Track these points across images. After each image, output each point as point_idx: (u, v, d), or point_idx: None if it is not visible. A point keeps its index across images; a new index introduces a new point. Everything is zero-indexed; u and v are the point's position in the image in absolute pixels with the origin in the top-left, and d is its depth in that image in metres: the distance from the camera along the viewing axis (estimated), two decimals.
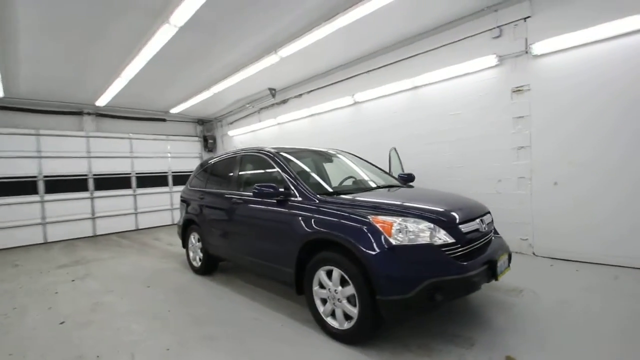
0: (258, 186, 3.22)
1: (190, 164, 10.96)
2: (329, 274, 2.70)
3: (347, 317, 2.60)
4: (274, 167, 3.50)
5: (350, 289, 2.52)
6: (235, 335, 2.87)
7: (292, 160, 3.53)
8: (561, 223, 4.33)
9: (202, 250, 4.55)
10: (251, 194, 3.66)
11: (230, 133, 10.54)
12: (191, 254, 4.88)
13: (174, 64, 6.20)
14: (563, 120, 4.29)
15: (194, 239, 4.77)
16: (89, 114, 8.85)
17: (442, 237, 2.39)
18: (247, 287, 4.06)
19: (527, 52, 4.52)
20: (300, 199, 3.06)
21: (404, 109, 5.96)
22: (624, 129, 3.87)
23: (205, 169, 4.90)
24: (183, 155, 10.81)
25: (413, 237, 2.37)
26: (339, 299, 2.61)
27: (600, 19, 3.86)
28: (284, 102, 8.47)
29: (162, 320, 3.25)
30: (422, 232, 2.38)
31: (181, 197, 5.26)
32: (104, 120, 9.21)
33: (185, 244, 5.07)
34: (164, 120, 10.34)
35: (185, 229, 4.99)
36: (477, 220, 2.69)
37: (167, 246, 7.01)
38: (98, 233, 8.83)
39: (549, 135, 4.42)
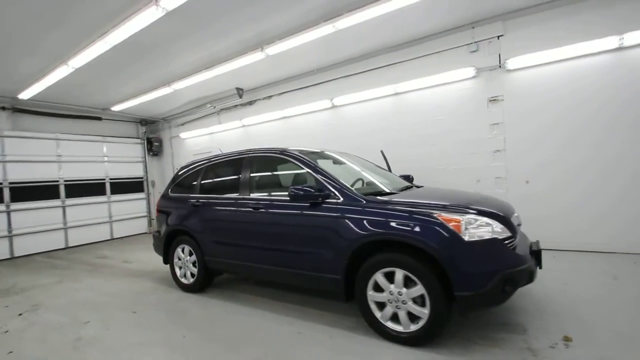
0: (295, 189, 3.00)
1: (132, 170, 9.70)
2: (388, 276, 2.64)
3: (412, 318, 2.57)
4: (302, 169, 3.29)
5: (418, 290, 2.49)
6: (287, 354, 2.60)
7: (320, 162, 3.37)
8: (534, 215, 4.95)
9: (196, 264, 4.02)
10: (274, 197, 3.42)
11: (183, 135, 9.60)
12: (178, 270, 4.28)
13: (137, 53, 5.43)
14: (532, 127, 4.95)
15: (183, 252, 4.19)
16: (3, 108, 7.16)
17: (502, 231, 2.53)
18: (259, 301, 3.71)
19: (500, 67, 5.11)
20: (341, 199, 2.93)
21: (386, 114, 6.19)
22: (583, 135, 4.62)
23: (194, 173, 4.37)
24: (123, 159, 9.48)
25: (480, 232, 2.46)
26: (403, 301, 2.56)
27: (563, 42, 4.58)
28: (251, 103, 8.06)
29: (183, 349, 2.77)
30: (486, 228, 2.49)
31: (159, 207, 4.59)
32: (23, 117, 7.55)
33: (168, 260, 4.42)
34: (99, 118, 8.93)
35: (168, 243, 4.35)
36: (515, 215, 2.92)
37: (123, 264, 6.03)
38: (17, 254, 7.15)
39: (520, 139, 5.05)
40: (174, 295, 4.10)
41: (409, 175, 4.41)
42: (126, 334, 3.10)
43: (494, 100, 5.20)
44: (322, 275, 2.97)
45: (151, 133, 10.33)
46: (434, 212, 2.55)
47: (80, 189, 8.41)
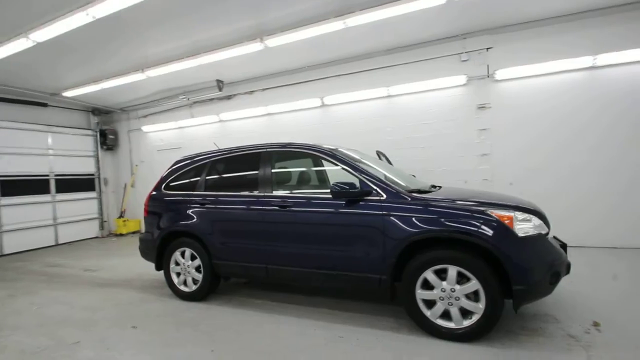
0: (338, 185, 2.86)
1: (82, 165, 8.55)
2: (437, 273, 2.63)
3: (463, 314, 2.59)
4: (336, 165, 3.15)
5: (472, 285, 2.51)
6: (324, 355, 2.44)
7: (357, 158, 3.26)
8: None
9: (201, 269, 3.62)
10: (306, 195, 3.23)
11: (145, 128, 8.69)
12: (176, 277, 3.81)
13: (113, 30, 4.77)
14: (516, 133, 5.40)
15: (182, 256, 3.75)
16: None
17: (542, 226, 2.68)
18: (278, 306, 3.45)
19: (489, 76, 5.50)
20: (385, 197, 2.86)
21: (378, 115, 6.27)
22: (561, 141, 5.14)
23: (195, 169, 3.94)
24: (71, 152, 8.29)
25: (526, 228, 2.57)
26: (456, 297, 2.57)
27: (545, 58, 5.08)
28: (230, 97, 7.60)
29: None
30: (530, 223, 2.61)
31: (149, 206, 4.06)
32: None
33: (162, 265, 3.91)
34: (44, 105, 7.68)
35: (163, 246, 3.86)
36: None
37: (85, 273, 5.23)
38: None
39: (505, 144, 5.47)
40: (173, 305, 3.64)
41: (413, 176, 4.50)
42: (140, 354, 2.65)
43: (482, 107, 5.57)
44: (365, 276, 2.86)
45: (105, 124, 9.18)
46: (487, 209, 2.61)
47: (18, 186, 7.12)
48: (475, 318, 2.55)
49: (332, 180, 3.50)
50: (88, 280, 4.82)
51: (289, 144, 3.51)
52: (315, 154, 3.31)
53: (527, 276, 2.43)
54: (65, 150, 8.13)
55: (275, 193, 3.35)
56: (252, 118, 7.43)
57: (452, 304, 2.60)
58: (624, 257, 4.51)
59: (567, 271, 2.69)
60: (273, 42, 5.06)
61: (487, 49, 5.49)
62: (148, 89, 7.56)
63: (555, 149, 5.20)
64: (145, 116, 8.74)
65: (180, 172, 4.05)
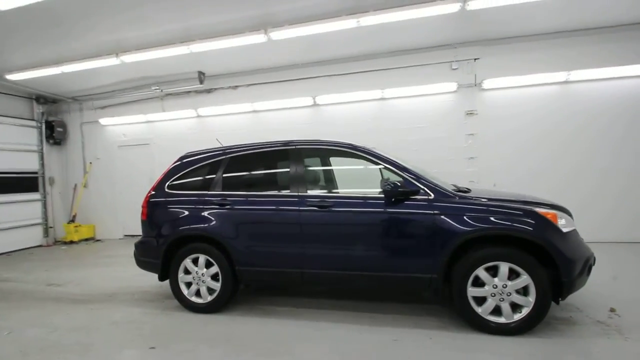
0: (389, 184, 2.79)
1: (22, 161, 7.31)
2: (488, 270, 2.70)
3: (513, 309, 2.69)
4: (378, 164, 3.08)
5: (523, 280, 2.62)
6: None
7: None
8: None
9: (220, 277, 3.25)
10: (349, 194, 3.10)
11: (104, 121, 7.69)
12: (185, 287, 3.38)
13: (86, 6, 4.15)
14: (499, 139, 5.85)
15: (195, 264, 3.34)
16: None
17: (573, 223, 2.92)
18: (308, 312, 3.24)
19: (476, 85, 5.89)
20: (433, 196, 2.87)
21: (371, 117, 6.33)
22: (539, 146, 5.67)
23: (209, 165, 3.55)
24: (8, 146, 6.99)
25: (567, 224, 2.77)
26: (508, 293, 2.66)
27: (526, 71, 5.59)
28: (210, 91, 7.08)
29: None
30: (565, 220, 2.82)
31: (150, 208, 3.58)
32: None
33: (168, 275, 3.45)
34: None
35: (171, 253, 3.41)
36: None
37: (48, 288, 4.44)
38: None
39: (489, 149, 5.89)
40: (187, 320, 3.22)
41: None
42: None
43: (470, 113, 5.95)
44: (415, 276, 2.82)
45: (52, 115, 7.92)
46: (532, 207, 2.75)
47: None
48: (525, 312, 2.66)
49: (368, 179, 3.46)
50: (57, 296, 4.07)
51: (322, 140, 3.35)
52: (354, 152, 3.20)
53: (573, 269, 2.60)
54: (2, 144, 6.83)
55: (310, 192, 3.17)
56: (235, 115, 7.00)
57: (503, 300, 2.68)
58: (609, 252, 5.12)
59: (594, 264, 2.95)
60: (279, 35, 4.82)
61: (475, 59, 5.88)
62: (114, 77, 6.69)
63: (533, 153, 5.72)
64: (103, 107, 7.73)
65: (188, 169, 3.63)
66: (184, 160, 3.71)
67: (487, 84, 5.76)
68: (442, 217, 2.78)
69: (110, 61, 5.51)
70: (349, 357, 2.49)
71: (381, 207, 2.90)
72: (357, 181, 3.27)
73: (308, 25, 4.63)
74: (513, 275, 2.66)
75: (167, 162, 7.21)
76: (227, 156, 3.53)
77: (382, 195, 2.93)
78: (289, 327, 2.98)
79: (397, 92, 6.10)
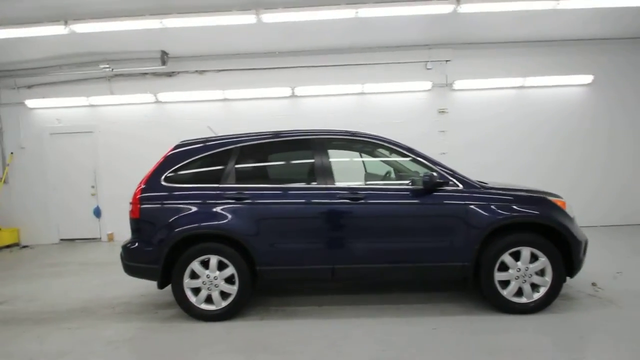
0: (428, 175, 2.81)
1: None
2: (512, 255, 2.90)
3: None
4: (407, 156, 3.09)
5: (542, 263, 2.86)
6: (470, 349, 2.41)
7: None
8: None
9: (236, 279, 2.92)
10: (382, 186, 3.05)
11: (31, 103, 6.32)
12: (192, 294, 2.95)
13: None
14: (466, 135, 6.35)
15: (205, 267, 2.94)
16: None
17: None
18: (335, 309, 3.09)
19: (447, 85, 6.31)
20: (461, 187, 2.97)
21: (350, 111, 6.33)
22: (500, 142, 6.30)
23: (217, 155, 3.13)
24: None
25: (572, 210, 3.11)
26: (530, 275, 2.89)
27: (490, 75, 6.17)
28: (171, 75, 6.31)
29: None
30: (569, 207, 3.17)
31: (141, 204, 3.03)
32: None
33: (168, 281, 2.98)
34: None
35: (173, 256, 2.94)
36: None
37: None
38: None
39: (458, 145, 6.36)
40: (200, 330, 2.82)
41: None
42: None
43: (442, 112, 6.35)
44: (449, 264, 2.90)
45: None
46: (546, 196, 3.03)
47: None
48: (542, 291, 2.91)
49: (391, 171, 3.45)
50: (9, 317, 3.23)
51: (350, 131, 3.25)
52: (384, 145, 3.15)
53: (581, 250, 2.94)
54: None
55: (339, 185, 3.02)
56: (203, 102, 6.38)
57: (525, 282, 2.91)
58: None
59: None
60: (271, 17, 4.50)
61: (447, 61, 6.28)
62: (49, 49, 5.54)
63: (496, 149, 6.33)
64: (30, 86, 6.35)
65: (189, 159, 3.16)
66: (182, 149, 3.23)
67: (458, 84, 6.21)
68: (472, 206, 2.90)
69: (56, 29, 4.53)
70: (401, 349, 2.44)
71: (415, 198, 2.92)
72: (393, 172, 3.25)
73: (304, 11, 4.41)
74: (532, 258, 2.91)
75: (118, 152, 6.40)
76: (238, 145, 3.17)
77: (414, 187, 2.96)
78: (323, 327, 2.81)
79: (376, 87, 6.21)
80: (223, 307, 2.96)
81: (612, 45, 6.07)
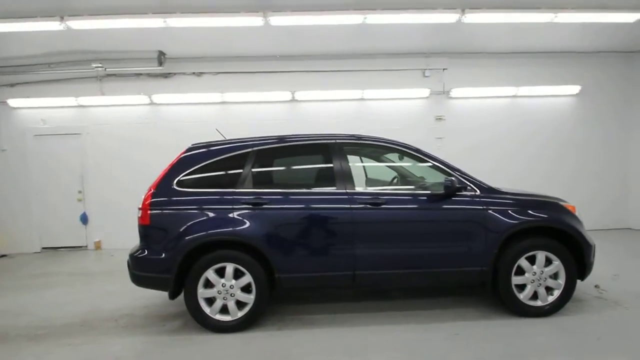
0: (449, 180, 2.83)
1: None
2: (528, 259, 2.95)
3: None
4: (426, 162, 3.12)
5: (556, 266, 2.92)
6: (495, 353, 2.41)
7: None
8: None
9: (252, 287, 2.81)
10: (402, 191, 3.08)
11: (14, 103, 5.96)
12: (206, 304, 2.82)
13: None
14: (463, 142, 6.47)
15: (221, 275, 2.82)
16: None
17: None
18: (351, 317, 3.04)
19: (444, 93, 6.44)
20: (478, 192, 3.01)
21: (350, 117, 6.34)
22: (496, 149, 6.44)
23: (232, 159, 3.03)
24: None
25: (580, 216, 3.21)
26: (544, 279, 2.94)
27: (485, 84, 6.35)
28: (166, 76, 6.12)
29: None
30: (579, 213, 3.26)
31: (154, 209, 2.88)
32: None
33: (180, 290, 2.84)
34: None
35: (185, 264, 2.81)
36: None
37: None
38: None
39: (454, 151, 6.44)
40: (215, 342, 2.69)
41: None
42: None
43: (440, 119, 6.47)
44: (467, 269, 2.91)
45: None
46: (558, 201, 3.11)
47: None
48: (556, 294, 2.97)
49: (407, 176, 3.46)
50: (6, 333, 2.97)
51: (368, 136, 3.25)
52: (404, 150, 3.17)
53: (592, 253, 3.03)
54: None
55: (359, 190, 2.99)
56: (200, 105, 6.21)
57: (540, 285, 2.96)
58: None
59: None
60: (279, 20, 4.45)
61: (443, 69, 6.42)
62: (36, 46, 5.24)
63: (491, 156, 6.46)
64: (12, 85, 5.97)
65: (202, 163, 3.04)
66: (194, 152, 3.11)
67: (454, 92, 6.36)
68: (490, 211, 2.94)
69: (50, 25, 4.29)
70: (425, 357, 2.41)
71: (436, 203, 2.93)
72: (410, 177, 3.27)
73: (313, 15, 4.39)
74: (546, 262, 2.97)
75: (109, 155, 6.11)
76: (255, 149, 3.09)
77: (432, 192, 2.98)
78: (343, 336, 2.74)
79: (375, 93, 6.26)
80: (239, 318, 2.85)
81: (597, 58, 6.39)
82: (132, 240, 5.97)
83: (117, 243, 6.17)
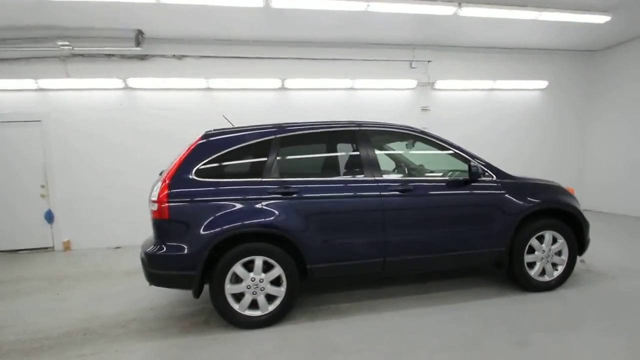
0: (475, 166, 2.93)
1: None
2: (538, 239, 3.18)
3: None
4: (448, 149, 3.18)
5: (561, 245, 3.19)
6: (522, 329, 2.57)
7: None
8: None
9: (282, 280, 2.71)
10: (428, 178, 3.12)
11: None
12: (235, 301, 2.66)
13: None
14: (446, 132, 6.73)
15: (249, 269, 2.68)
16: None
17: None
18: (377, 303, 3.06)
19: (429, 84, 6.65)
20: (495, 177, 3.16)
21: (340, 106, 6.29)
22: (479, 140, 6.70)
23: (253, 147, 2.85)
24: None
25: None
26: (551, 256, 3.19)
27: (465, 77, 6.66)
28: (143, 58, 5.59)
29: None
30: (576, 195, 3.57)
31: (174, 202, 2.62)
32: None
33: (202, 287, 2.65)
34: None
35: (211, 258, 2.62)
36: None
37: None
38: None
39: None
40: (250, 338, 2.56)
41: None
42: None
43: (425, 109, 6.67)
44: (489, 250, 3.07)
45: None
46: (560, 185, 3.37)
47: None
48: (560, 269, 3.25)
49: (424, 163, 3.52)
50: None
51: (390, 124, 3.26)
52: (424, 138, 3.21)
53: (588, 231, 3.35)
54: None
55: (386, 177, 2.99)
56: (182, 91, 5.77)
57: (547, 262, 3.21)
58: None
59: None
60: (280, 2, 4.23)
61: (428, 61, 6.62)
62: None
63: (471, 145, 6.84)
64: None
65: (222, 151, 2.81)
66: (212, 139, 2.88)
67: (439, 84, 6.59)
68: (507, 195, 3.11)
69: None
70: (466, 334, 2.52)
71: (460, 188, 3.03)
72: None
73: None
74: (552, 240, 3.22)
75: (76, 145, 5.49)
76: (278, 136, 2.94)
77: (454, 178, 3.09)
78: (380, 322, 2.75)
79: (365, 83, 6.27)
80: (270, 312, 2.73)
81: (564, 55, 7.00)
82: (107, 238, 5.58)
83: (89, 242, 5.61)
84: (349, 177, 2.98)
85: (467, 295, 3.18)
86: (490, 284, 3.42)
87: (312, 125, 3.04)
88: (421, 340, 2.46)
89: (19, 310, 3.28)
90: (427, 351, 2.32)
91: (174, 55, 5.70)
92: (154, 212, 2.67)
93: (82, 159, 5.55)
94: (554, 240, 3.20)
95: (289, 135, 2.96)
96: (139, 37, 5.21)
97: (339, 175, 3.04)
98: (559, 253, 3.23)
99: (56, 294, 3.67)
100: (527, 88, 6.93)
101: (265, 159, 2.85)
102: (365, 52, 6.27)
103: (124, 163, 5.66)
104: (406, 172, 3.63)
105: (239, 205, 2.68)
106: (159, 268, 2.65)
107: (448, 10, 4.63)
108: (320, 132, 3.05)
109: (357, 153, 2.99)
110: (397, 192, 2.91)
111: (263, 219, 2.67)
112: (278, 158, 2.88)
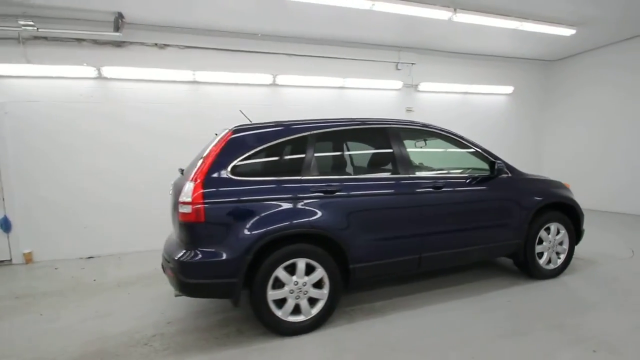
0: (500, 164, 3.11)
1: None
2: (545, 231, 3.46)
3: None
4: (469, 147, 3.32)
5: (563, 235, 3.51)
6: (551, 316, 2.76)
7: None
8: None
9: (323, 282, 2.61)
10: (455, 174, 3.22)
11: None
12: (277, 308, 2.51)
13: None
14: None
15: (292, 273, 2.53)
16: None
17: None
18: (407, 300, 3.10)
19: (413, 86, 6.89)
20: (510, 174, 3.36)
21: (330, 105, 6.25)
22: None
23: (288, 143, 2.72)
24: None
25: None
26: (556, 245, 3.50)
27: (443, 80, 7.03)
28: (120, 45, 5.01)
29: None
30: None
31: (210, 203, 2.38)
32: None
33: (240, 293, 2.45)
34: None
35: (254, 261, 2.43)
36: None
37: None
38: None
39: None
40: (298, 345, 2.43)
41: None
42: None
43: (409, 110, 6.90)
44: (511, 242, 3.28)
45: None
46: (560, 181, 3.71)
47: None
48: (562, 258, 3.58)
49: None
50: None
51: (418, 122, 3.32)
52: (449, 137, 3.31)
53: (583, 223, 3.73)
54: None
55: (419, 174, 3.03)
56: (165, 83, 5.28)
57: (553, 252, 3.51)
58: None
59: None
60: None
61: (412, 64, 6.86)
62: None
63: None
64: None
65: (258, 147, 2.63)
66: (245, 134, 2.68)
67: (422, 86, 6.87)
68: (520, 191, 3.35)
69: None
70: (504, 322, 2.66)
71: (485, 185, 3.18)
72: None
73: None
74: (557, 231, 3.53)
75: (36, 142, 4.80)
76: (313, 132, 2.82)
77: (481, 175, 3.22)
78: (423, 319, 2.79)
79: (356, 82, 6.31)
80: (313, 316, 2.63)
81: (527, 64, 7.71)
82: (76, 248, 4.92)
83: (55, 253, 4.90)
84: (385, 175, 2.98)
85: (485, 287, 3.36)
86: (500, 275, 3.65)
87: (345, 121, 2.97)
88: (471, 332, 2.54)
89: (3, 336, 2.74)
90: (481, 341, 2.40)
91: (156, 44, 5.20)
92: (185, 214, 2.40)
93: (45, 157, 4.82)
94: (558, 232, 3.52)
95: (324, 132, 2.86)
96: (119, 22, 4.66)
97: (375, 172, 3.03)
98: (561, 243, 3.55)
99: (39, 314, 3.14)
100: (496, 92, 7.52)
101: (303, 155, 2.72)
102: (356, 52, 6.30)
103: (96, 162, 5.03)
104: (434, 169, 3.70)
105: (282, 205, 2.53)
106: (195, 277, 2.39)
107: (444, 14, 4.83)
108: (354, 129, 3.00)
109: (391, 150, 2.99)
110: (431, 189, 2.97)
111: (308, 219, 2.55)
112: (316, 155, 2.77)
